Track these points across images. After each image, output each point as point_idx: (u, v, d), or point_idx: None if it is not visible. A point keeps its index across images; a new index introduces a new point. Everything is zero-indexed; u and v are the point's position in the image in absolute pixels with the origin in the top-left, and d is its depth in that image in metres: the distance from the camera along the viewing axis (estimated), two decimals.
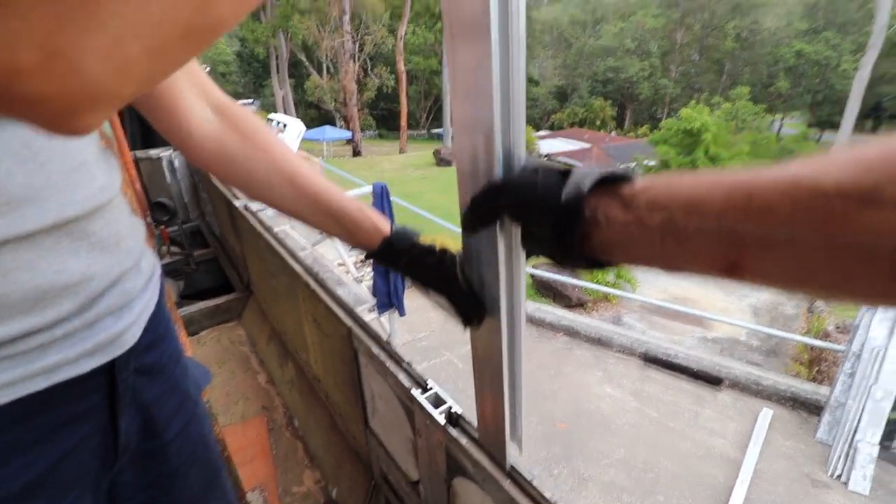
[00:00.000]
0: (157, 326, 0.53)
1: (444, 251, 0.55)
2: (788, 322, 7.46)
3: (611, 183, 0.33)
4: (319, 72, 27.89)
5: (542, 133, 31.36)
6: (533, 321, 4.60)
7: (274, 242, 1.52)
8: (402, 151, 24.52)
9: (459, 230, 0.48)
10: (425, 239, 0.58)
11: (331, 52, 25.01)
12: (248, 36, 25.09)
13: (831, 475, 3.16)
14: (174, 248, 3.10)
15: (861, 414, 3.15)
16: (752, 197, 0.25)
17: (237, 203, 1.99)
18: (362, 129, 27.38)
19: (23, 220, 0.35)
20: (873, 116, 35.88)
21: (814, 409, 3.58)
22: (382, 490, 1.21)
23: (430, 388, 0.81)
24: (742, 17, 34.51)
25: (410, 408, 0.84)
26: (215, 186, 2.37)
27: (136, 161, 3.07)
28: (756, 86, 30.93)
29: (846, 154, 0.23)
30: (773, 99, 32.09)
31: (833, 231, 0.22)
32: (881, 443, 3.16)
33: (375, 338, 0.96)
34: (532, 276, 7.55)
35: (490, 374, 0.56)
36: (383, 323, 3.28)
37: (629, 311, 7.34)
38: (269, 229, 1.63)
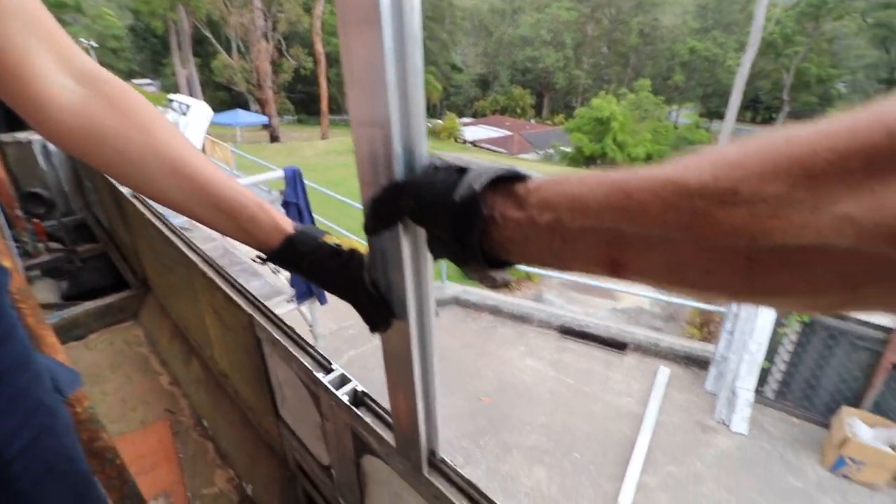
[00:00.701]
0: None
1: (351, 252, 0.51)
2: None
3: (508, 181, 0.32)
4: (228, 51, 25.72)
5: (466, 120, 31.78)
6: (459, 302, 4.71)
7: (167, 231, 1.39)
8: (323, 137, 23.55)
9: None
10: (331, 239, 0.53)
11: (240, 29, 23.15)
12: (142, 8, 22.38)
13: (718, 420, 3.63)
14: (53, 244, 2.74)
15: (740, 365, 3.63)
16: (629, 196, 0.25)
17: (124, 189, 1.79)
18: (280, 114, 25.86)
19: None
20: (752, 108, 40.79)
21: (703, 364, 4.07)
22: (298, 480, 1.18)
23: (334, 370, 0.80)
24: (644, 14, 37.30)
25: (315, 392, 0.83)
26: (99, 173, 2.11)
27: (0, 146, 2.65)
28: (657, 78, 33.76)
29: (711, 154, 0.23)
30: (671, 91, 35.21)
31: (697, 230, 0.22)
32: (756, 389, 3.68)
33: (278, 324, 0.92)
34: None
35: (402, 375, 0.55)
36: (304, 313, 3.17)
37: (549, 288, 7.77)
38: (160, 217, 1.49)
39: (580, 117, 21.47)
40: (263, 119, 23.04)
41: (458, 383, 3.69)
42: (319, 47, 22.65)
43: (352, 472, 0.82)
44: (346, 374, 0.79)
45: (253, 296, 1.01)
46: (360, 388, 0.75)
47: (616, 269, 0.27)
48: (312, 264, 0.52)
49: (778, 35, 28.01)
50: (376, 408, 0.72)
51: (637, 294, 6.90)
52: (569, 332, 4.43)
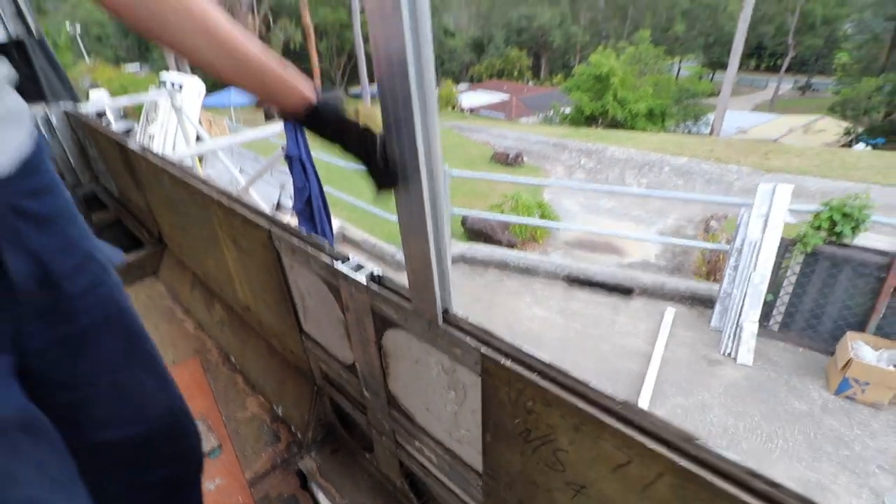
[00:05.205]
0: (37, 175, 0.53)
1: (365, 126, 0.57)
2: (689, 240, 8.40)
3: None
4: None
5: (462, 87, 31.10)
6: (465, 260, 4.78)
7: (178, 173, 1.44)
8: None
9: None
10: (351, 110, 0.58)
11: (226, 4, 22.52)
12: None
13: (723, 354, 3.73)
14: None
15: (744, 299, 3.70)
16: None
17: (132, 145, 1.84)
18: None
19: None
20: (756, 55, 39.44)
21: (709, 303, 4.15)
22: (325, 391, 1.27)
23: (350, 259, 0.86)
24: None
25: (335, 284, 0.89)
26: (105, 136, 2.15)
27: None
28: (656, 30, 32.64)
29: None
30: (671, 42, 34.11)
31: None
32: (761, 322, 3.76)
33: (293, 232, 0.98)
34: (463, 224, 7.73)
35: (417, 239, 0.61)
36: None
37: (554, 248, 7.83)
38: (170, 163, 1.54)
39: (579, 75, 20.95)
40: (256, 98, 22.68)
41: None
42: (307, 19, 22.07)
43: (374, 356, 0.89)
44: (361, 261, 0.85)
45: (267, 214, 1.07)
46: (375, 271, 0.81)
47: None
48: (336, 131, 0.58)
49: None
50: (392, 285, 0.78)
51: (641, 238, 6.94)
52: (575, 280, 4.51)
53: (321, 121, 0.57)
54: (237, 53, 0.52)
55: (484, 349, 0.63)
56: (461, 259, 4.79)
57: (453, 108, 25.85)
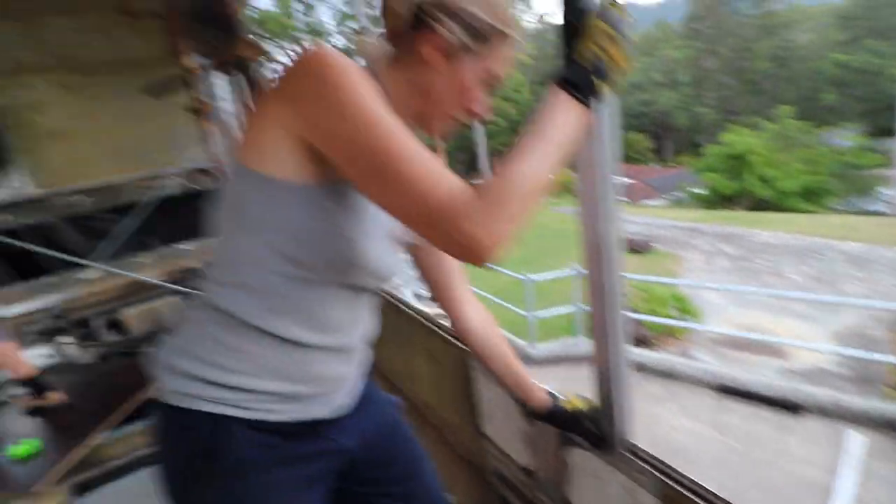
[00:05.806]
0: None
1: (574, 408, 0.94)
2: (876, 345, 6.91)
3: None
4: None
5: None
6: None
7: (390, 298, 1.91)
8: None
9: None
10: (565, 402, 0.96)
11: None
12: None
13: None
14: None
15: None
16: None
17: None
18: None
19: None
20: None
21: None
22: (496, 487, 1.48)
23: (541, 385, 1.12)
24: (772, 37, 34.30)
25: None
26: None
27: None
28: (800, 102, 30.02)
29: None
30: (822, 112, 30.85)
31: None
32: None
33: None
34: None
35: (604, 381, 0.87)
36: None
37: (697, 345, 7.11)
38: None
39: (710, 156, 19.98)
40: None
41: None
42: None
43: (554, 465, 1.11)
44: (548, 388, 1.10)
45: None
46: (563, 397, 1.06)
47: None
48: (558, 418, 0.96)
49: None
50: None
51: (810, 348, 5.99)
52: (727, 390, 4.10)
53: (552, 414, 0.95)
54: (518, 377, 0.95)
55: (664, 479, 0.81)
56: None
57: (574, 195, 26.19)
